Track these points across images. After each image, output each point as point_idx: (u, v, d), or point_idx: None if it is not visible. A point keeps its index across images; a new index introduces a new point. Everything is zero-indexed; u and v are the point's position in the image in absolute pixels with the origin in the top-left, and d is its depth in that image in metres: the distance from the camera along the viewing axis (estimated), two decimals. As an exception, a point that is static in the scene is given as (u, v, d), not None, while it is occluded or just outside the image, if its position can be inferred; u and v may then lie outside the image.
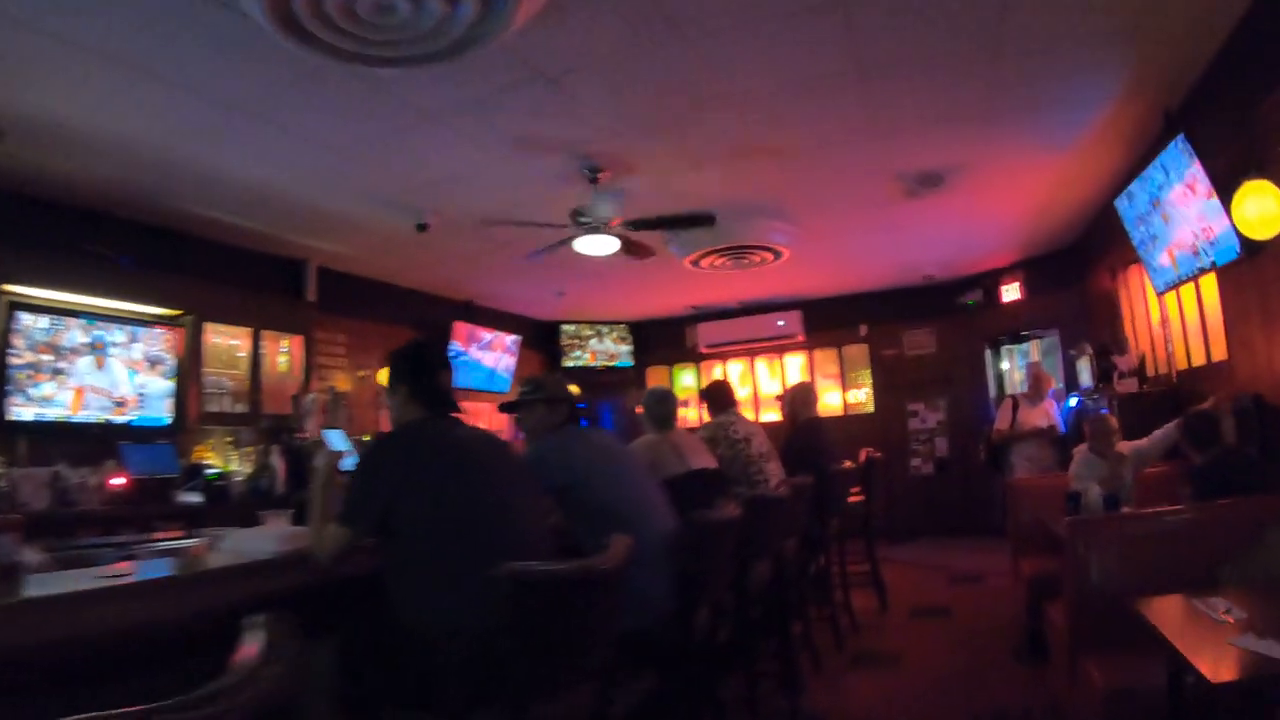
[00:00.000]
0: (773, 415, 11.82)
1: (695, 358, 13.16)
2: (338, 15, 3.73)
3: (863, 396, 12.42)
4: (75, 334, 6.16)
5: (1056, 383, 9.42)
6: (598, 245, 6.55)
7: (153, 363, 6.71)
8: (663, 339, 13.27)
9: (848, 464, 6.98)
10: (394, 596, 2.62)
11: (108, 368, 6.38)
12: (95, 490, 5.95)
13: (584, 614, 2.23)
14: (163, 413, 6.77)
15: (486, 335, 10.87)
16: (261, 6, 3.65)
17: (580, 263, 7.94)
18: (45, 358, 5.97)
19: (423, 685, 2.49)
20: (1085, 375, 8.39)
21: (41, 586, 2.51)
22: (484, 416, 9.27)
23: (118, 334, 6.48)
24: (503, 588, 2.04)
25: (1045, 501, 5.72)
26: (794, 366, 12.78)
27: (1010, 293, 10.82)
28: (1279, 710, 2.45)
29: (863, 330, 12.31)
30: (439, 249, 8.23)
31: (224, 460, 7.22)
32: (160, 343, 6.79)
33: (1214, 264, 5.18)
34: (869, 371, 12.37)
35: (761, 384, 12.93)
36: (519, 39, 4.25)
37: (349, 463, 3.24)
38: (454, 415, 2.95)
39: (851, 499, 6.81)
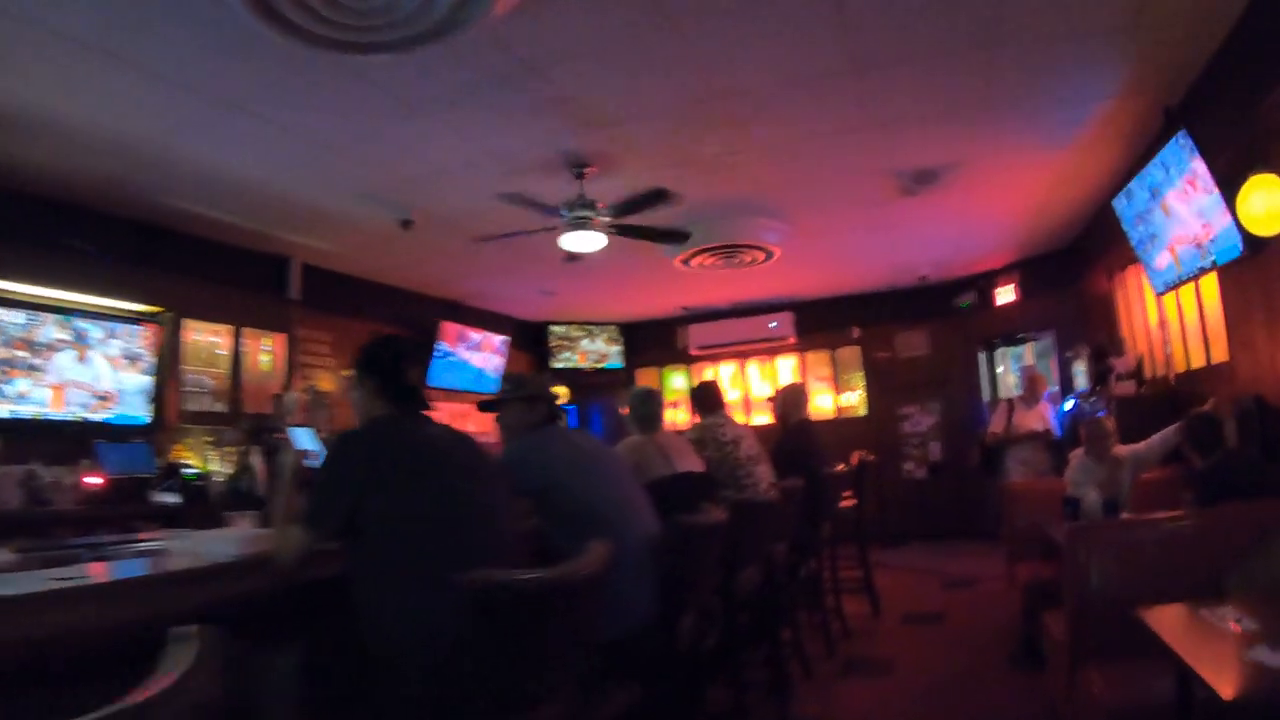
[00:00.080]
0: (764, 418, 11.66)
1: (686, 359, 13.02)
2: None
3: (855, 399, 12.31)
4: (51, 330, 6.05)
5: (1051, 385, 9.33)
6: (582, 241, 6.41)
7: (131, 360, 6.59)
8: (654, 340, 13.13)
9: (840, 467, 6.87)
10: (358, 603, 2.48)
11: (89, 361, 6.28)
12: (70, 489, 5.85)
13: (556, 626, 2.09)
14: (141, 411, 6.65)
15: (475, 335, 10.76)
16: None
17: (569, 261, 7.82)
18: (20, 354, 5.86)
19: (386, 698, 2.36)
20: (1081, 378, 8.29)
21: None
22: (473, 417, 9.13)
23: (95, 330, 6.37)
24: (466, 598, 1.91)
25: (1041, 506, 5.63)
26: (786, 369, 12.66)
27: (1005, 294, 10.72)
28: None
29: (855, 332, 12.21)
30: (425, 246, 8.10)
31: (203, 460, 7.06)
32: (139, 340, 6.67)
33: (1215, 263, 5.08)
34: (861, 374, 12.27)
35: (753, 386, 12.79)
36: (504, 28, 4.15)
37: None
38: (424, 413, 2.80)
39: (844, 503, 6.71)
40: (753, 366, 12.84)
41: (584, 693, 2.40)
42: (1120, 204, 6.32)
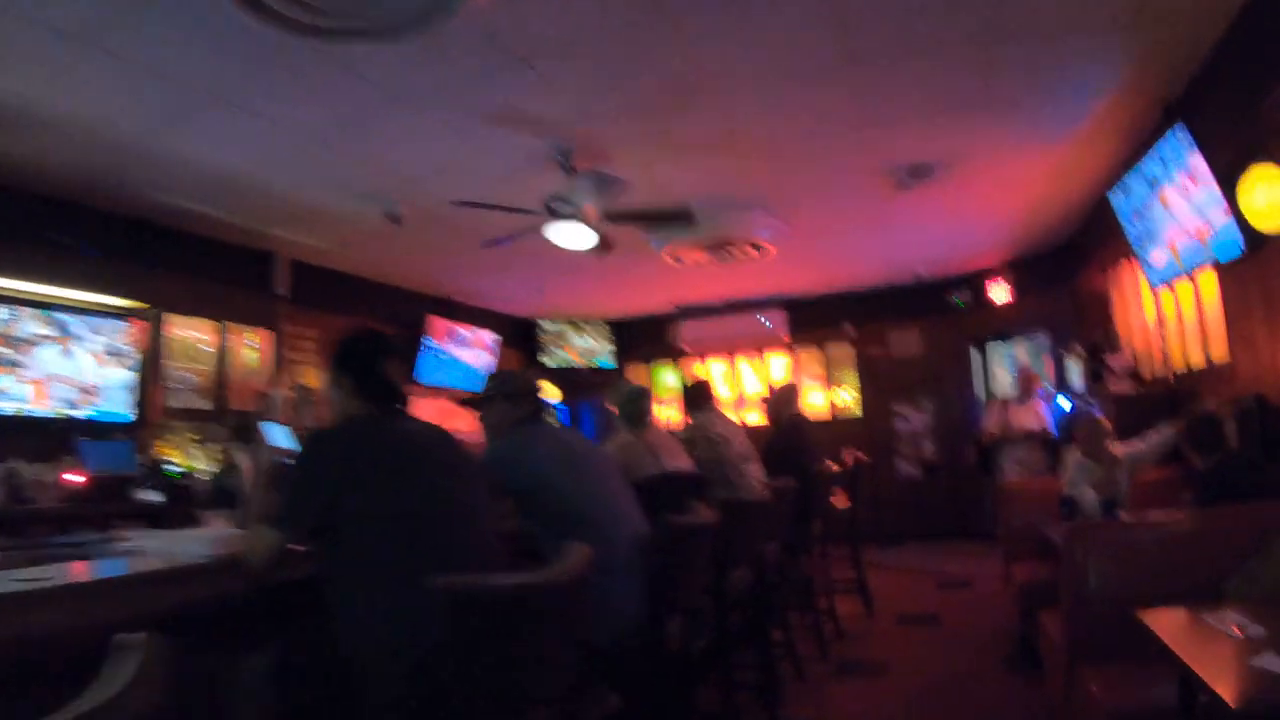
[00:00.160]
0: (756, 417, 11.57)
1: (678, 356, 12.95)
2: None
3: (848, 398, 12.23)
4: (32, 324, 5.97)
5: (1046, 384, 9.27)
6: (572, 236, 6.30)
7: (114, 356, 6.49)
8: (645, 337, 13.04)
9: (833, 466, 6.79)
10: (331, 608, 2.38)
11: (72, 355, 6.19)
12: (52, 487, 5.79)
13: (537, 632, 2.00)
14: (123, 408, 6.55)
15: (465, 332, 10.70)
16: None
17: (560, 258, 7.72)
18: (2, 350, 5.79)
19: (360, 704, 2.27)
20: (1076, 376, 8.22)
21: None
22: (463, 415, 9.04)
23: (78, 325, 6.28)
24: (440, 605, 1.81)
25: (1037, 506, 5.57)
26: (778, 367, 12.59)
27: (999, 292, 10.65)
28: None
29: (849, 330, 12.12)
30: (413, 242, 8.02)
31: (188, 458, 6.96)
32: (122, 335, 6.57)
33: (1214, 260, 5.00)
34: (855, 372, 12.19)
35: (745, 384, 12.72)
36: (490, 17, 4.08)
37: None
38: (402, 409, 2.70)
39: (836, 500, 6.63)
40: (745, 364, 12.77)
41: (572, 697, 2.32)
42: (1117, 199, 6.25)
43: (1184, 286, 5.86)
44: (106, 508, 5.76)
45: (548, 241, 6.44)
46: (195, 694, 2.47)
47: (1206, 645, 2.48)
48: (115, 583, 2.50)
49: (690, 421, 5.29)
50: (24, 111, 4.89)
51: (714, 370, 12.84)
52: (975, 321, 11.19)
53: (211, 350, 7.26)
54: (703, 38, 4.53)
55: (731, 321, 12.23)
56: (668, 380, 12.99)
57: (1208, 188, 4.82)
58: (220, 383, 7.27)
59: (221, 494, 6.43)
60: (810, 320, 12.11)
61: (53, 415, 6.05)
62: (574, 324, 12.83)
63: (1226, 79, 4.92)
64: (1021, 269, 10.34)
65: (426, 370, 10.06)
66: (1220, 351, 5.45)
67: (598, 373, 12.82)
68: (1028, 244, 9.73)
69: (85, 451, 6.01)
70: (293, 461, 2.48)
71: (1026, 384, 8.10)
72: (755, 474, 5.11)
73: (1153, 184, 5.56)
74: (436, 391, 9.90)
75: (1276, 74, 4.23)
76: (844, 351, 12.25)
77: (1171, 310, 6.29)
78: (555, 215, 6.16)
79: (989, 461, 8.22)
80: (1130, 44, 4.87)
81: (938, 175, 6.88)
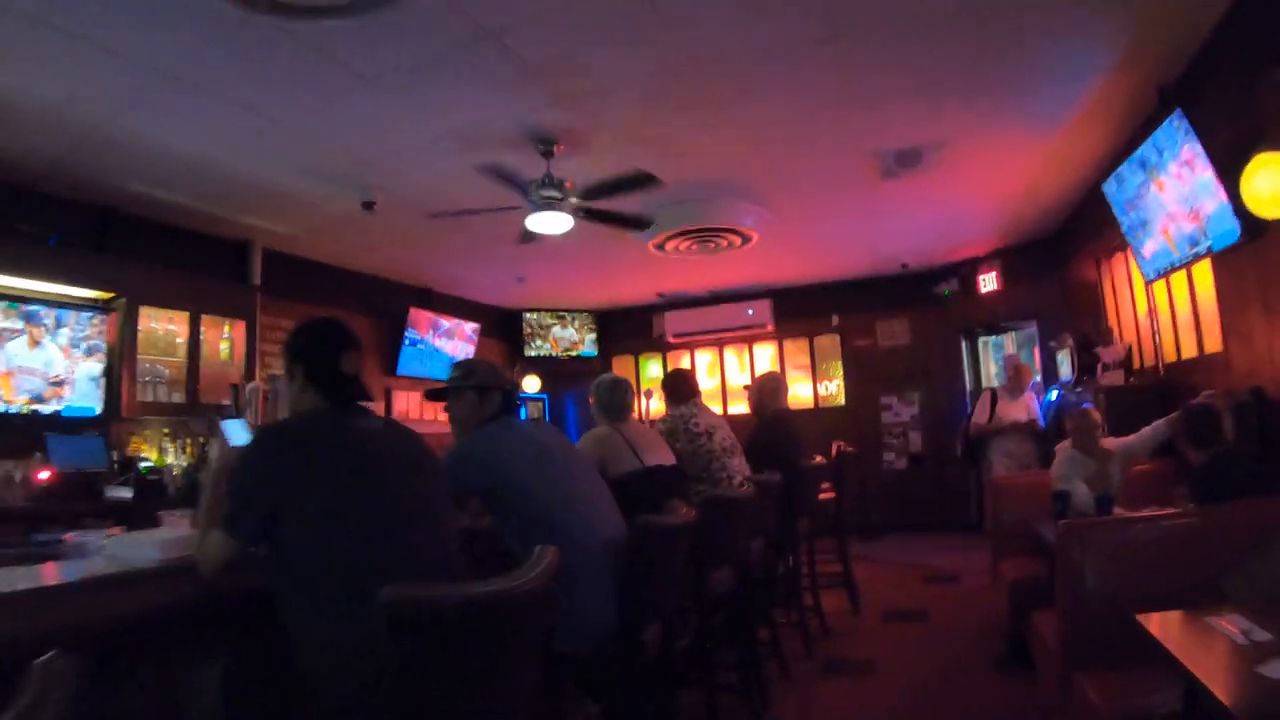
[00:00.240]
0: (741, 407, 11.45)
1: (662, 347, 12.86)
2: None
3: (834, 389, 12.12)
4: (-5, 317, 5.79)
5: (1035, 375, 9.18)
6: (551, 223, 6.15)
7: (83, 348, 6.30)
8: (629, 328, 12.96)
9: (819, 459, 6.66)
10: (281, 618, 2.23)
11: (41, 348, 6.02)
12: (21, 485, 5.63)
13: (492, 649, 1.83)
14: (92, 402, 6.35)
15: (446, 323, 10.56)
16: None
17: (541, 246, 7.59)
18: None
19: (314, 716, 2.12)
20: (1065, 368, 8.12)
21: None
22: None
23: (46, 317, 6.10)
24: (384, 619, 1.66)
25: (1026, 500, 5.48)
26: (764, 357, 12.48)
27: (987, 282, 10.52)
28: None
29: (835, 320, 12.03)
30: (390, 230, 7.85)
31: (159, 453, 6.78)
32: (91, 327, 6.37)
33: (1210, 249, 4.88)
34: (840, 363, 12.09)
35: (730, 375, 12.61)
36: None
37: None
38: (360, 405, 2.53)
39: (822, 495, 6.50)
40: (730, 354, 12.66)
41: (545, 709, 2.19)
42: (1110, 188, 6.12)
43: (1178, 277, 5.73)
44: (76, 505, 5.58)
45: (524, 228, 6.29)
46: (142, 705, 2.33)
47: (1211, 651, 2.37)
48: (51, 591, 2.35)
49: (671, 412, 5.12)
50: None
51: (699, 361, 12.74)
52: (963, 311, 11.08)
53: (183, 342, 7.05)
54: (681, 13, 4.36)
55: (716, 312, 12.16)
56: (652, 371, 12.85)
57: (1204, 175, 4.69)
58: (193, 375, 7.07)
59: (194, 489, 6.28)
60: (796, 310, 12.02)
61: (19, 410, 5.87)
62: (557, 314, 12.69)
63: (1224, 61, 4.79)
64: (1011, 259, 10.21)
65: (407, 362, 9.92)
66: (1214, 343, 5.33)
67: (580, 363, 12.71)
68: (1017, 233, 9.60)
69: (53, 447, 5.83)
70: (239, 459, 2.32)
71: (1017, 375, 7.99)
72: (738, 467, 4.95)
73: (1148, 172, 5.43)
74: (417, 383, 9.78)
75: (1276, 56, 4.10)
76: (830, 341, 12.14)
77: (1164, 301, 6.16)
78: (533, 202, 6.02)
79: (975, 453, 8.12)
80: (1126, 23, 4.73)
81: (926, 161, 6.73)
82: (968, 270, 10.79)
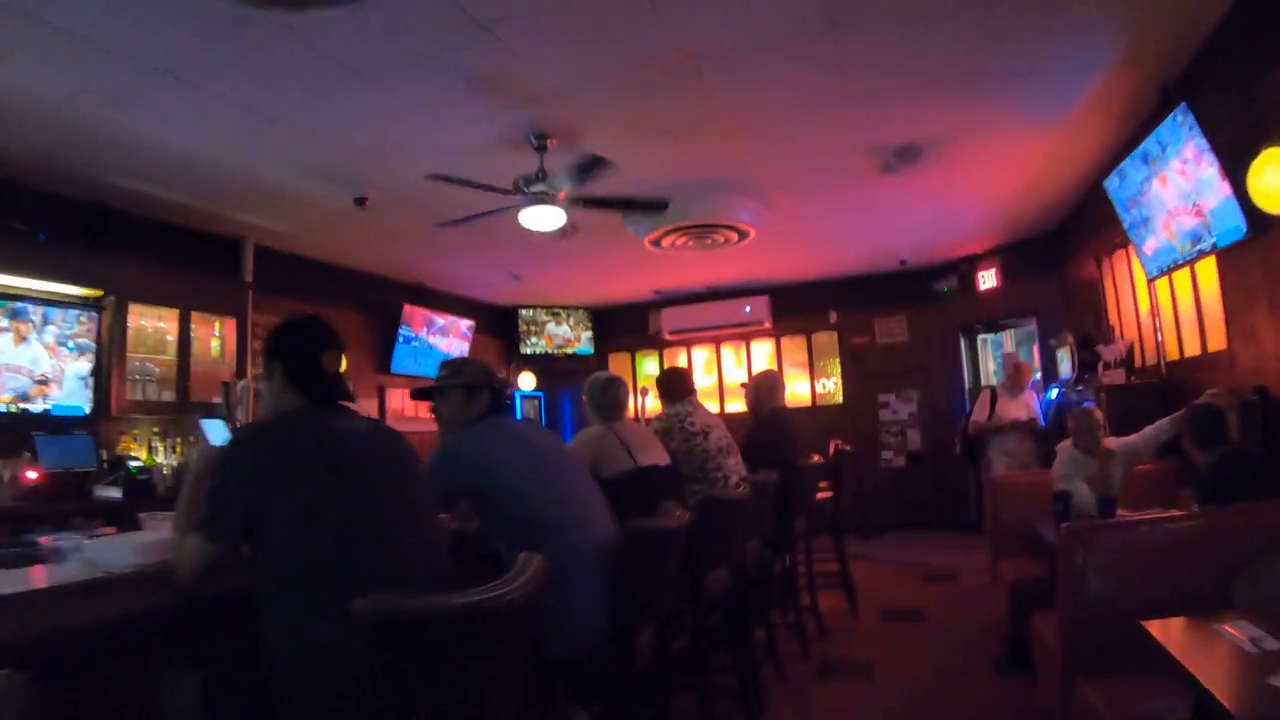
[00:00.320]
0: (739, 405, 11.38)
1: (659, 344, 12.78)
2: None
3: (832, 386, 12.05)
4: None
5: (1035, 373, 9.12)
6: (544, 218, 6.06)
7: (71, 346, 6.21)
8: (625, 325, 12.89)
9: (816, 457, 6.59)
10: (260, 626, 2.15)
11: (29, 345, 5.93)
12: (9, 485, 5.58)
13: (475, 661, 1.76)
14: (81, 401, 6.27)
15: (441, 320, 10.48)
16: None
17: (536, 243, 7.52)
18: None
19: None
20: (1065, 366, 8.06)
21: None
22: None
23: (33, 314, 6.01)
24: (361, 630, 1.59)
25: (1026, 500, 5.41)
26: (761, 354, 12.42)
27: (987, 279, 10.46)
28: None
29: (833, 317, 11.96)
30: (382, 226, 7.77)
31: (149, 453, 6.70)
32: (79, 325, 6.29)
33: (1215, 245, 4.81)
34: (838, 360, 12.02)
35: (728, 372, 12.55)
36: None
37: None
38: (341, 405, 2.45)
39: (820, 494, 6.43)
40: (727, 352, 12.59)
41: (534, 717, 2.11)
42: (1112, 184, 6.05)
43: (1181, 274, 5.67)
44: (65, 505, 5.55)
45: (520, 225, 6.20)
46: (120, 714, 2.26)
47: (1220, 660, 2.30)
48: (17, 599, 2.27)
49: (665, 411, 5.05)
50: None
51: (696, 358, 12.68)
52: (962, 309, 11.02)
53: (173, 340, 6.97)
54: (677, 5, 4.28)
55: (713, 308, 12.08)
56: (649, 368, 12.79)
57: (1209, 171, 4.63)
58: (183, 374, 6.98)
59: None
60: (793, 307, 11.94)
61: (5, 409, 5.79)
62: (553, 311, 12.61)
63: (1227, 59, 4.73)
64: (1010, 256, 10.15)
65: (401, 359, 9.86)
66: (1218, 341, 5.27)
67: (576, 360, 12.64)
68: (1017, 230, 9.52)
69: (41, 446, 5.77)
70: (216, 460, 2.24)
71: (1017, 373, 7.92)
72: (734, 467, 4.88)
73: (1151, 168, 5.36)
74: (412, 381, 9.70)
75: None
76: (828, 339, 12.07)
77: (1167, 298, 6.09)
78: (527, 197, 5.93)
79: (973, 452, 8.06)
80: (1129, 16, 4.66)
81: (925, 157, 6.66)
82: (967, 267, 10.73)
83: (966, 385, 11.02)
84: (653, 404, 10.97)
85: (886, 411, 11.61)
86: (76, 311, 6.28)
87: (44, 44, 4.25)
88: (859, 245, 9.99)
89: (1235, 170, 4.36)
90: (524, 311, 12.43)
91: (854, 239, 9.67)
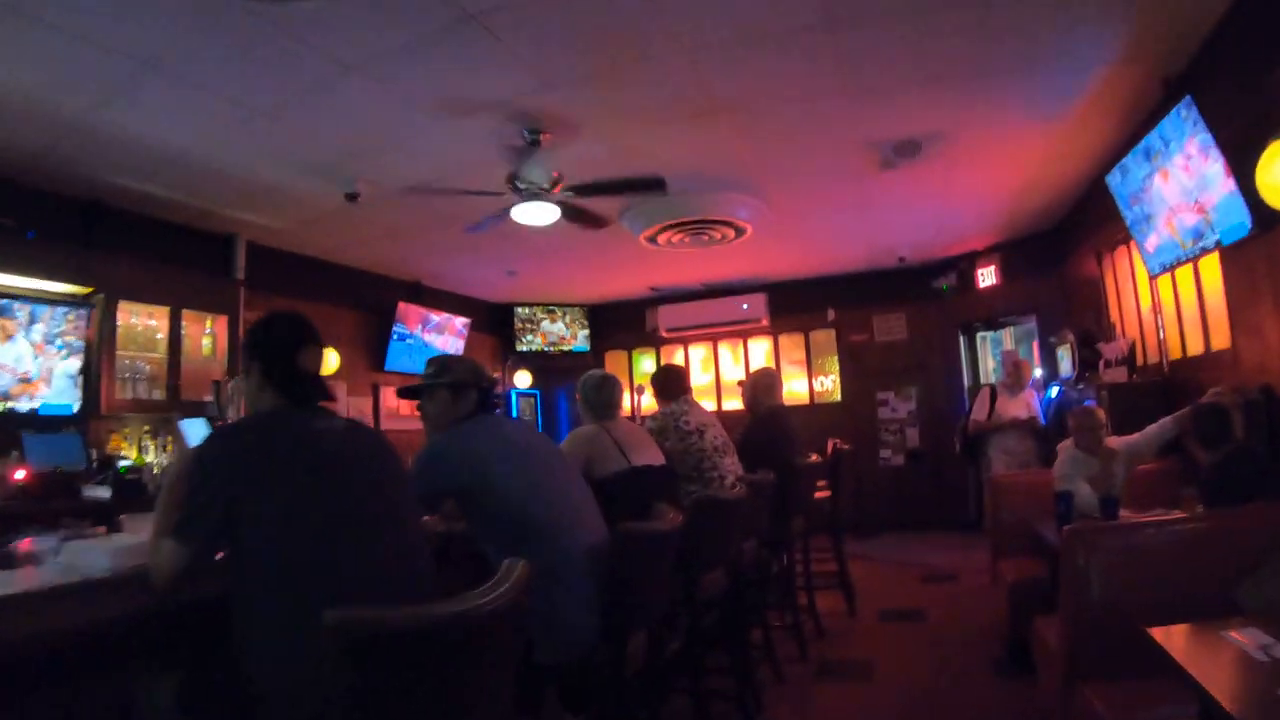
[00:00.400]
0: (736, 403, 11.31)
1: (656, 342, 12.69)
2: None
3: (830, 384, 11.98)
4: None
5: (1035, 371, 9.06)
6: (537, 214, 5.99)
7: (60, 344, 6.14)
8: (621, 322, 12.79)
9: (814, 457, 6.53)
10: (238, 630, 2.08)
11: (13, 341, 5.86)
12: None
13: (458, 671, 1.69)
14: (70, 399, 6.19)
15: (436, 318, 10.41)
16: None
17: (533, 240, 7.45)
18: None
19: None
20: (1066, 364, 7.99)
21: None
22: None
23: (18, 312, 5.92)
24: (333, 643, 1.51)
25: (1027, 499, 5.37)
26: (759, 352, 12.34)
27: (986, 277, 10.39)
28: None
29: (831, 314, 11.88)
30: (376, 222, 7.71)
31: (139, 452, 6.63)
32: (67, 323, 6.20)
33: (1219, 242, 4.74)
34: (836, 358, 11.94)
35: (725, 370, 12.47)
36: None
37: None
38: (320, 405, 2.38)
39: (818, 493, 6.36)
40: (724, 349, 12.52)
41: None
42: (1114, 180, 5.98)
43: (1183, 272, 5.61)
44: (54, 505, 5.44)
45: (514, 221, 6.13)
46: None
47: (1228, 669, 2.25)
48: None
49: (661, 409, 4.97)
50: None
51: (693, 356, 12.60)
52: (961, 306, 10.95)
53: (164, 337, 6.89)
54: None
55: (710, 306, 12.00)
56: (645, 366, 12.71)
57: (1213, 166, 4.56)
58: (173, 372, 6.90)
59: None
60: (791, 304, 11.85)
61: (-8, 408, 5.73)
62: (549, 309, 12.53)
63: (1230, 54, 4.67)
64: (1010, 253, 10.08)
65: (396, 357, 9.80)
66: (1221, 339, 5.20)
67: (572, 358, 12.57)
68: (1017, 228, 9.46)
69: (30, 446, 5.70)
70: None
71: (1017, 371, 7.86)
72: (730, 467, 4.81)
73: (1154, 163, 5.29)
74: (406, 379, 9.62)
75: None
76: (826, 336, 12.00)
77: (1169, 295, 6.03)
78: (520, 193, 5.86)
79: (973, 450, 8.00)
80: (1130, 11, 4.59)
81: (925, 153, 6.58)
82: (966, 264, 10.66)
83: (966, 383, 10.95)
84: (649, 402, 10.92)
85: (885, 410, 11.53)
86: (65, 309, 6.20)
87: (33, 39, 4.20)
88: (858, 242, 9.91)
89: (1240, 166, 4.29)
90: (520, 309, 12.35)
91: (852, 236, 9.59)
